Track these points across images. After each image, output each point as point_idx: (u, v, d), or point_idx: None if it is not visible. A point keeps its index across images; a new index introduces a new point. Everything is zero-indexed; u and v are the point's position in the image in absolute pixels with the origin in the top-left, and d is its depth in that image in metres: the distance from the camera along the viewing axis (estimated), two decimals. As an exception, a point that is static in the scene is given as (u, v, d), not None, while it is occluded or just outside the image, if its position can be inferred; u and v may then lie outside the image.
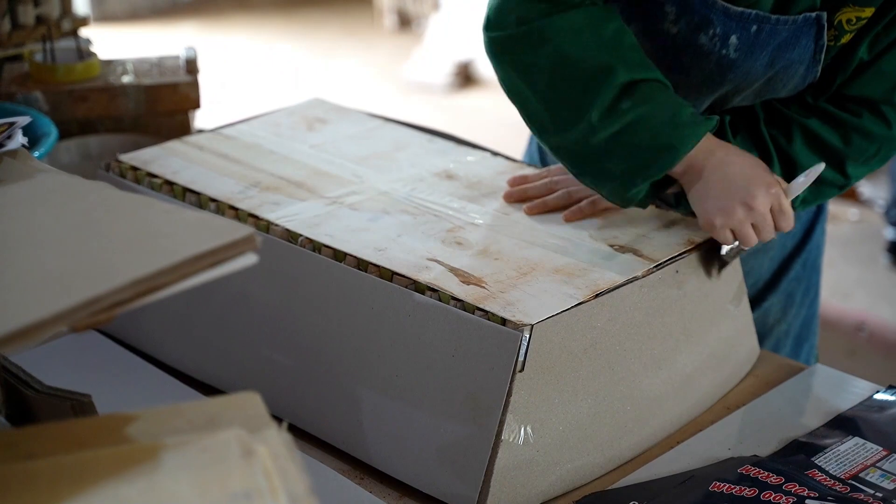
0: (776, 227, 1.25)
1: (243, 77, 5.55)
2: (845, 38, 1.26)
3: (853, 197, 4.23)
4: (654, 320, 1.19)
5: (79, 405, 0.88)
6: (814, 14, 1.25)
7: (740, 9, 1.25)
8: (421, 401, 1.13)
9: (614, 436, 1.16)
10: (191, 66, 1.91)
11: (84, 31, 2.11)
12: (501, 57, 1.27)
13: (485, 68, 5.28)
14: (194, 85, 1.88)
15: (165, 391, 1.28)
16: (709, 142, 1.24)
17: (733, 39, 1.27)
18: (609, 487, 1.13)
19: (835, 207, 4.20)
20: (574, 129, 1.24)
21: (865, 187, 4.20)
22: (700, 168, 1.23)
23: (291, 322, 1.23)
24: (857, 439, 1.18)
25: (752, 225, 1.23)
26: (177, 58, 1.98)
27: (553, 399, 1.10)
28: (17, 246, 0.78)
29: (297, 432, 1.20)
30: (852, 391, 1.28)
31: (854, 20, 1.25)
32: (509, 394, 1.07)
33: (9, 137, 1.48)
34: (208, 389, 1.29)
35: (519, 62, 1.25)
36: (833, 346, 3.38)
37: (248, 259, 0.76)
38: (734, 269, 1.30)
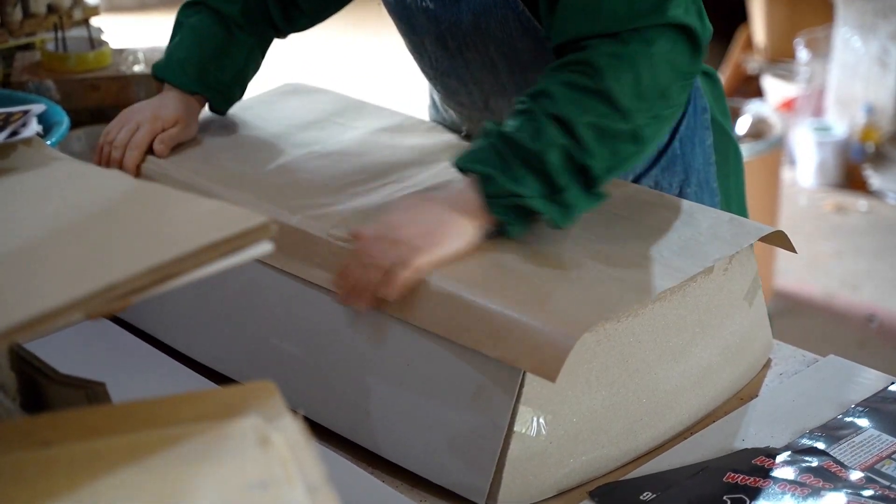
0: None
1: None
2: None
3: (862, 188, 4.23)
4: (669, 312, 1.18)
5: (93, 393, 0.88)
6: None
7: None
8: (432, 391, 1.12)
9: (630, 428, 1.15)
10: (202, 55, 1.91)
11: (95, 21, 2.11)
12: None
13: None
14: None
15: (179, 380, 1.28)
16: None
17: None
18: (622, 478, 1.13)
19: (844, 198, 4.19)
20: None
21: (875, 178, 4.19)
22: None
23: (302, 312, 1.23)
24: (872, 431, 1.17)
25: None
26: (188, 47, 1.97)
27: (566, 390, 1.10)
28: (31, 234, 0.78)
29: (308, 423, 1.20)
30: (866, 382, 1.27)
31: None
32: (522, 384, 1.06)
33: (23, 125, 1.48)
34: (219, 378, 1.29)
35: None
36: (843, 337, 3.38)
37: (264, 247, 0.76)
38: (749, 262, 1.30)
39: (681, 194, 1.50)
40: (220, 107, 1.52)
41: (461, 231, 1.16)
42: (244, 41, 1.50)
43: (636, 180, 1.50)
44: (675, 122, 1.34)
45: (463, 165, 1.20)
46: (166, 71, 1.49)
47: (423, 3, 1.38)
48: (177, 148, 1.44)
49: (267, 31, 1.54)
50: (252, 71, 1.54)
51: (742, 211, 1.65)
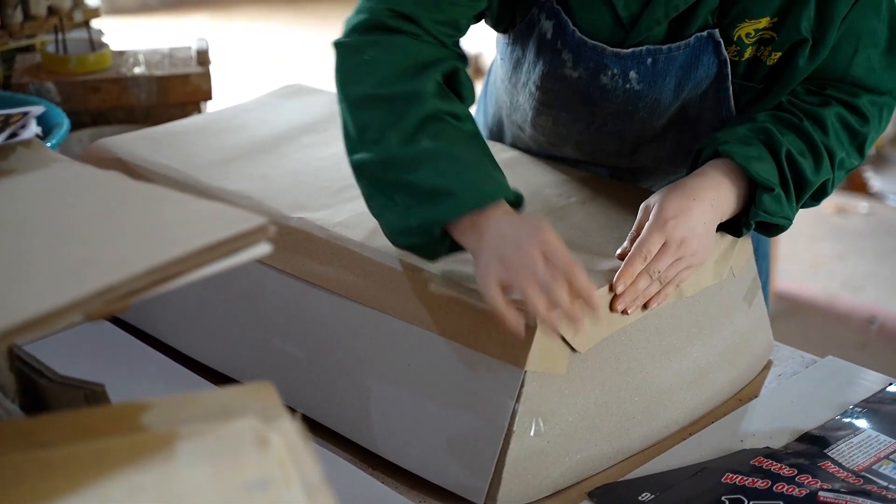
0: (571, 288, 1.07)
1: (255, 67, 5.56)
2: (748, 52, 1.28)
3: (863, 190, 4.23)
4: (664, 312, 1.19)
5: (92, 394, 0.88)
6: (705, 33, 1.27)
7: (629, 50, 1.29)
8: (432, 392, 1.13)
9: (622, 426, 1.16)
10: (202, 58, 1.92)
11: (96, 23, 2.12)
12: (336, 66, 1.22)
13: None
14: (206, 76, 1.88)
15: (179, 381, 1.28)
16: (496, 207, 1.12)
17: (633, 74, 1.31)
18: (621, 479, 1.13)
19: (845, 200, 4.19)
20: (374, 149, 1.15)
21: (875, 180, 4.19)
22: (479, 228, 1.10)
23: (303, 312, 1.23)
24: (869, 431, 1.17)
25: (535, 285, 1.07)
26: (188, 49, 1.98)
27: (563, 389, 1.10)
28: (31, 235, 0.78)
29: (309, 422, 1.20)
30: (864, 383, 1.28)
31: (753, 33, 1.27)
32: (522, 385, 1.07)
33: (23, 127, 1.48)
34: (220, 378, 1.29)
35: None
36: (844, 339, 3.37)
37: (262, 248, 0.76)
38: (748, 265, 1.30)
39: None
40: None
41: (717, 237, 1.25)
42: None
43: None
44: None
45: (752, 171, 1.22)
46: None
47: (627, 85, 1.32)
48: (178, 150, 1.45)
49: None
50: None
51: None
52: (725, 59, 1.29)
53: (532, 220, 1.10)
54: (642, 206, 1.21)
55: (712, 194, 1.21)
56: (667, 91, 1.32)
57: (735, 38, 1.27)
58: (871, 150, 1.51)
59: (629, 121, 1.37)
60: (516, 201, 1.14)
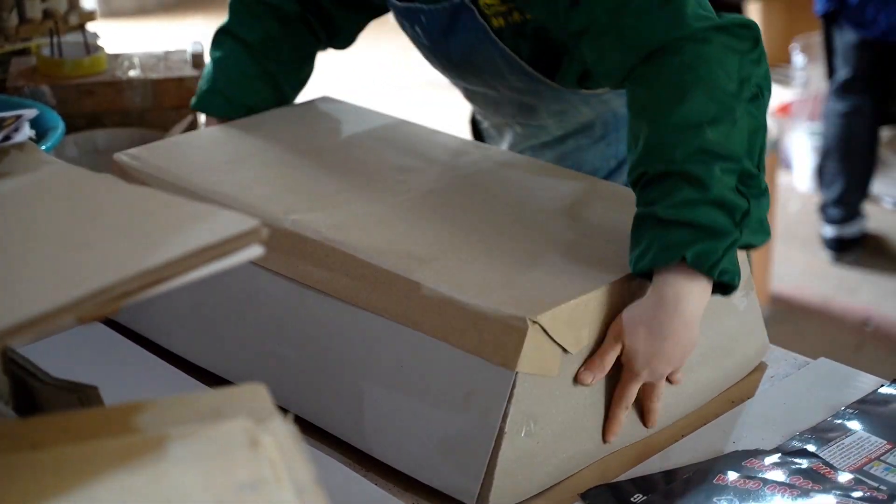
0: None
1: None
2: (495, 23, 1.41)
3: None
4: None
5: (85, 397, 0.89)
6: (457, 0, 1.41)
7: (404, 4, 1.47)
8: (424, 393, 1.13)
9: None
10: (197, 61, 1.92)
11: (91, 26, 2.12)
12: None
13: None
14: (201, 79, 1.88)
15: (171, 383, 1.28)
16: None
17: (418, 29, 1.49)
18: (613, 480, 1.13)
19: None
20: None
21: (871, 183, 4.19)
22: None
23: (296, 315, 1.24)
24: (861, 433, 1.18)
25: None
26: (183, 52, 1.98)
27: (554, 391, 1.11)
28: (23, 237, 0.79)
29: (301, 423, 1.20)
30: (857, 385, 1.28)
31: (493, 4, 1.40)
32: (513, 386, 1.07)
33: (16, 130, 1.49)
34: (213, 379, 1.30)
35: None
36: (839, 340, 3.38)
37: (254, 251, 0.76)
38: (742, 263, 1.30)
39: None
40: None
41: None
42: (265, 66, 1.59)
43: (619, 166, 1.58)
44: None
45: (656, 263, 1.12)
46: (199, 103, 1.60)
47: (421, 41, 1.51)
48: (172, 155, 1.45)
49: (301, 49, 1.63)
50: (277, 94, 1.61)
51: None
52: (483, 26, 1.41)
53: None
54: (611, 329, 1.15)
55: (677, 304, 1.13)
56: (453, 48, 1.47)
57: (482, 6, 1.40)
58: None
59: (467, 77, 1.54)
60: None
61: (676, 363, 1.17)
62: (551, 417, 1.11)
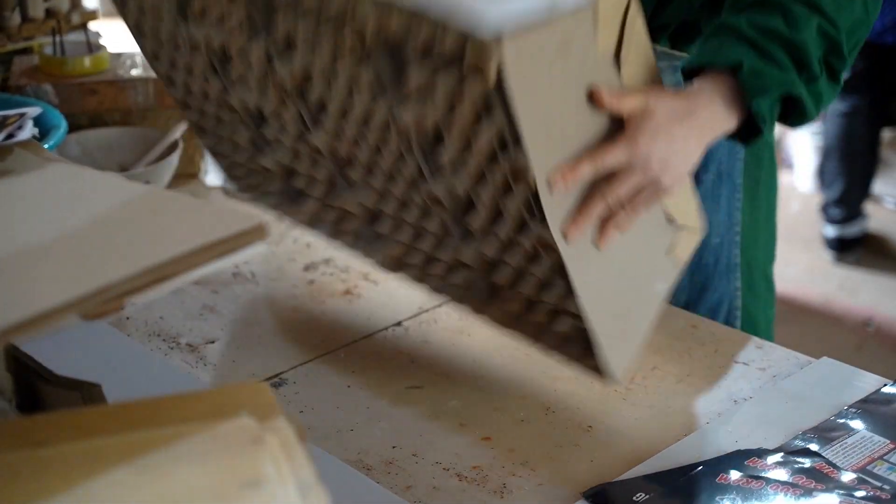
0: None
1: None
2: None
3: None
4: None
5: (89, 394, 0.89)
6: None
7: None
8: None
9: None
10: (200, 60, 1.92)
11: (93, 25, 2.12)
12: None
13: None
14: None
15: (174, 381, 1.28)
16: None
17: None
18: (615, 479, 1.13)
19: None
20: None
21: (874, 183, 4.19)
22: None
23: None
24: (864, 432, 1.18)
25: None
26: (186, 51, 1.98)
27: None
28: (27, 236, 0.79)
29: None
30: (860, 384, 1.28)
31: None
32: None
33: (19, 128, 1.49)
34: (226, 375, 1.30)
35: None
36: (840, 340, 3.38)
37: (259, 248, 0.76)
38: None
39: (697, 181, 1.45)
40: None
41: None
42: None
43: None
44: None
45: (712, 61, 1.10)
46: None
47: None
48: None
49: None
50: None
51: (770, 218, 1.64)
52: None
53: None
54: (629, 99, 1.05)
55: (703, 111, 1.09)
56: None
57: None
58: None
59: None
60: None
61: (667, 179, 1.07)
62: None
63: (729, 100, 1.11)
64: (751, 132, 1.14)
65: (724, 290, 1.57)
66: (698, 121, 1.08)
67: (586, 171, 1.02)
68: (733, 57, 1.10)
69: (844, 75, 1.16)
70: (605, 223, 1.07)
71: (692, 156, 1.09)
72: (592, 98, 1.02)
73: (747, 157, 1.52)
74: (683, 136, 1.07)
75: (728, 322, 1.59)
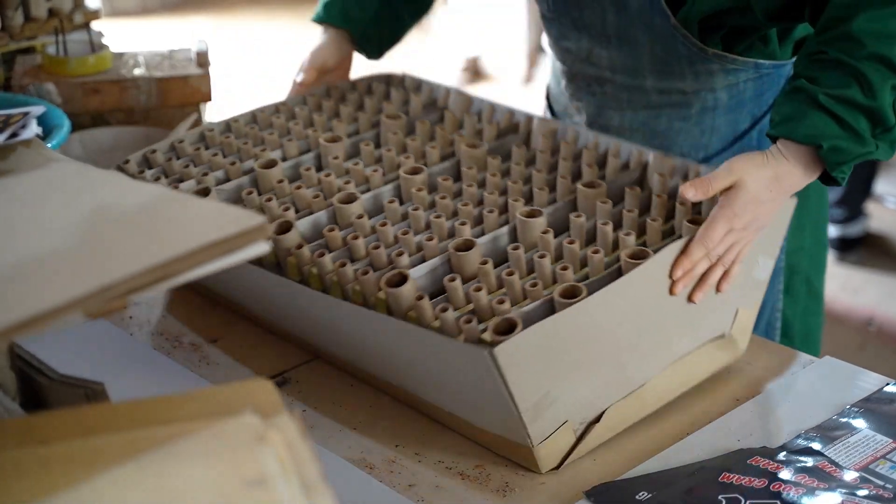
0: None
1: (255, 70, 5.56)
2: None
3: (863, 192, 4.22)
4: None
5: (92, 393, 0.89)
6: None
7: None
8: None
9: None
10: (202, 59, 1.92)
11: (96, 24, 2.12)
12: None
13: (493, 63, 5.27)
14: (205, 78, 1.89)
15: (177, 379, 1.28)
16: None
17: None
18: (618, 478, 1.13)
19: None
20: None
21: (874, 182, 4.19)
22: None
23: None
24: (866, 431, 1.18)
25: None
26: (188, 51, 1.98)
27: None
28: (31, 234, 0.79)
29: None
30: (862, 384, 1.28)
31: None
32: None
33: (23, 127, 1.49)
34: (229, 373, 1.30)
35: None
36: (842, 340, 3.38)
37: (260, 248, 0.76)
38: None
39: None
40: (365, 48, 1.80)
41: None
42: None
43: (706, 160, 1.51)
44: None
45: (791, 135, 1.22)
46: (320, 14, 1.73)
47: None
48: None
49: None
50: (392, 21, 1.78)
51: (819, 228, 1.74)
52: None
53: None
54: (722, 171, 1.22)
55: (788, 177, 1.23)
56: None
57: None
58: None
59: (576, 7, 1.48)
60: None
61: (753, 234, 1.23)
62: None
63: (811, 166, 1.24)
64: (828, 181, 1.28)
65: (769, 293, 1.58)
66: (783, 186, 1.24)
67: (698, 255, 1.19)
68: (813, 132, 1.21)
69: None
70: (702, 278, 1.22)
71: (775, 210, 1.25)
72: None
73: None
74: (771, 200, 1.23)
75: (769, 324, 1.63)
